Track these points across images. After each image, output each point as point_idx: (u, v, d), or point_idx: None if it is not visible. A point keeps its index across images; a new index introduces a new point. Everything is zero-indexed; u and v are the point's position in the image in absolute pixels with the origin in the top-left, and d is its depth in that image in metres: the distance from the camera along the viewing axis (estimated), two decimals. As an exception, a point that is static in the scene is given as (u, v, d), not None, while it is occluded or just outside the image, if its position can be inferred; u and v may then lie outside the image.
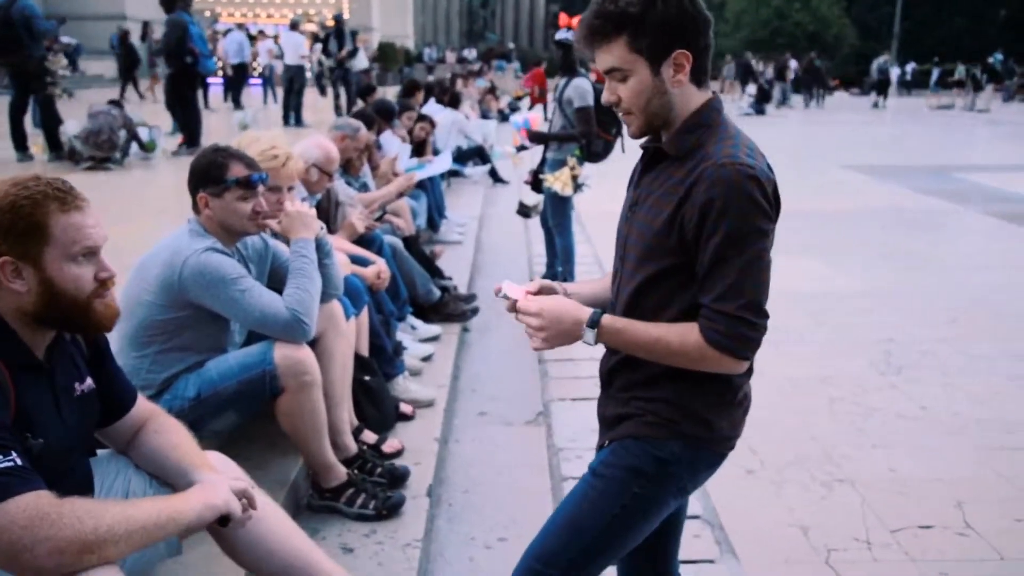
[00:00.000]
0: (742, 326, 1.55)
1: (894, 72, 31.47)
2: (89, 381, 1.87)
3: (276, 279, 2.90)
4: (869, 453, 3.65)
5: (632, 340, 1.63)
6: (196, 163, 2.73)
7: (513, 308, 1.71)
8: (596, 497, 1.71)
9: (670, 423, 1.68)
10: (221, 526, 1.83)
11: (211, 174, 2.67)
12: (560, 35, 5.57)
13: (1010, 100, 31.62)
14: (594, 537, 1.69)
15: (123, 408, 1.98)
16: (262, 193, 2.74)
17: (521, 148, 6.12)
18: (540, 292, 1.76)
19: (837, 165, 13.54)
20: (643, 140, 1.74)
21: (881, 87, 30.63)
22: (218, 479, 1.87)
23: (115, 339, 2.45)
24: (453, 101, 10.92)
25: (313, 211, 2.95)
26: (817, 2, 42.31)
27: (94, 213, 1.73)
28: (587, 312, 1.64)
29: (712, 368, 1.60)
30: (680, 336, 1.59)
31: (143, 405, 2.03)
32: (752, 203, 1.53)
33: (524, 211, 6.33)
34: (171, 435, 1.98)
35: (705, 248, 1.55)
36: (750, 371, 1.71)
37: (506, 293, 1.73)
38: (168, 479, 1.93)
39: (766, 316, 1.57)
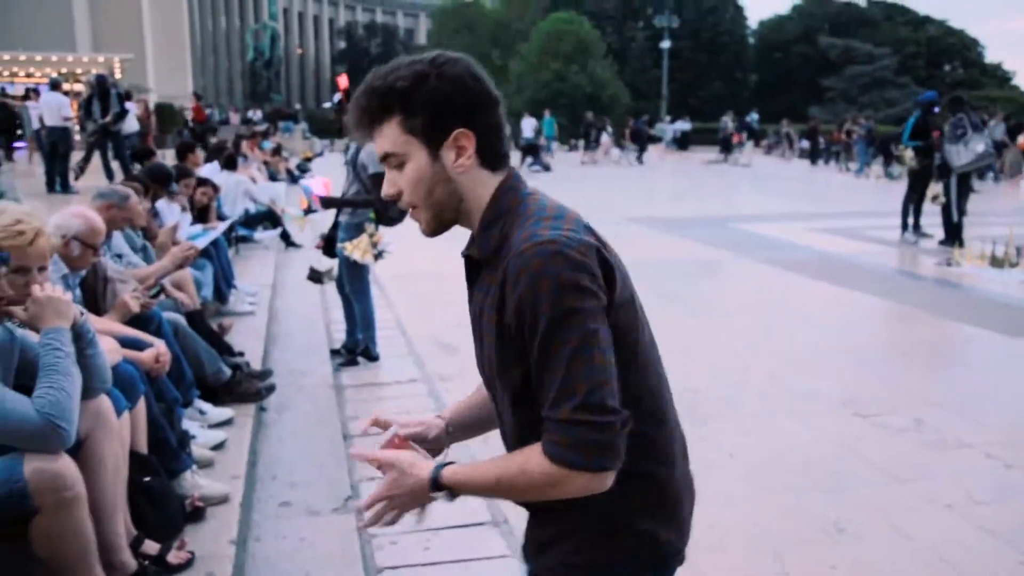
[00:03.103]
0: (583, 430, 1.26)
1: (671, 129, 35.38)
2: None
3: (27, 376, 2.46)
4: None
5: (479, 488, 1.38)
6: (-83, 244, 2.27)
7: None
8: None
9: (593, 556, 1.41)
10: None
11: (-64, 256, 2.23)
12: (335, 99, 5.41)
13: (767, 153, 35.00)
14: None
15: None
16: (3, 275, 2.32)
17: (308, 211, 5.81)
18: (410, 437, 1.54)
19: (622, 218, 14.09)
20: (464, 249, 1.49)
21: (681, 143, 35.15)
22: None
23: None
24: (229, 163, 10.37)
25: (68, 295, 2.54)
26: (593, 64, 44.67)
27: None
28: (428, 469, 1.39)
29: (571, 492, 1.30)
30: (521, 465, 1.32)
31: None
32: (558, 285, 1.26)
33: (316, 277, 6.03)
34: None
35: (533, 354, 1.31)
36: (672, 458, 1.45)
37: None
38: None
39: (613, 411, 1.28)
